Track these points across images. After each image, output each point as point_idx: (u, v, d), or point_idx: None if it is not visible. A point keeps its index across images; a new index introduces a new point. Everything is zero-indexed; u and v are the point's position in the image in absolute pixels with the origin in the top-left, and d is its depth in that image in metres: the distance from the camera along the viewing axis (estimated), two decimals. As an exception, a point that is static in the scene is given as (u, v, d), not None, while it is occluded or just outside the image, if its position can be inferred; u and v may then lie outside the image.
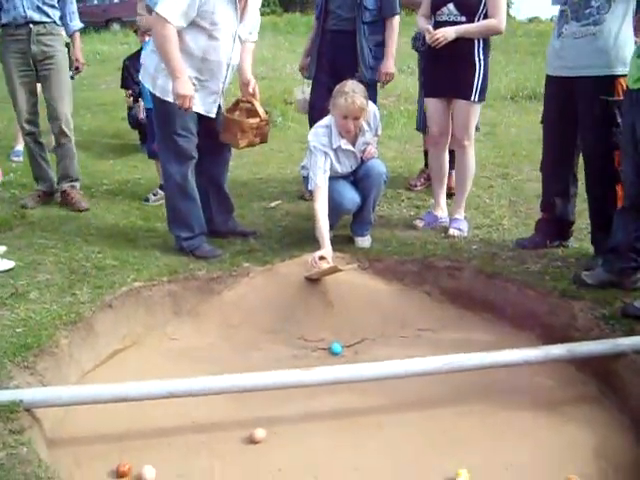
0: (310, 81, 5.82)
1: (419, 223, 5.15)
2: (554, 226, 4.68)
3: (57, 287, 3.99)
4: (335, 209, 4.63)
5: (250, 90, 4.50)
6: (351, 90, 4.38)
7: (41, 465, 2.47)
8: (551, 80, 4.44)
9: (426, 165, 6.16)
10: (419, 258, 4.56)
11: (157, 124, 4.53)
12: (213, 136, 4.55)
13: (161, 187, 5.42)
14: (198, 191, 4.58)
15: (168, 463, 2.93)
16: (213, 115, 4.49)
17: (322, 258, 4.20)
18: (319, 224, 4.35)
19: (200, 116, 4.44)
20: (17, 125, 6.95)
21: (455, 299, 4.39)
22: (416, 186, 6.02)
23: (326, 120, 4.58)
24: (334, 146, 4.55)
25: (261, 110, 4.49)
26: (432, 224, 5.13)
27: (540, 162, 4.77)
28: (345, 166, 4.66)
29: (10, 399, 2.80)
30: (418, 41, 5.71)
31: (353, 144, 4.63)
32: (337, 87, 4.50)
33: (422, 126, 6.00)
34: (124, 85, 7.47)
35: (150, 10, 4.91)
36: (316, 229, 4.39)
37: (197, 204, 4.56)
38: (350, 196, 4.60)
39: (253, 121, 4.45)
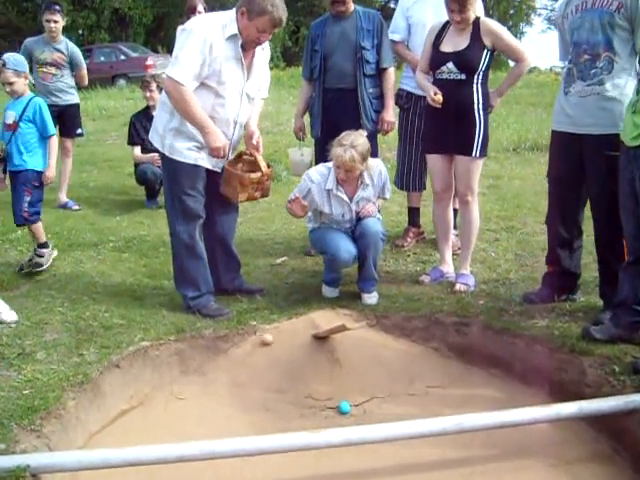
0: (302, 143, 5.95)
1: (425, 279, 5.14)
2: (561, 279, 4.67)
3: (64, 347, 3.98)
4: (332, 261, 4.67)
5: (254, 142, 4.50)
6: (349, 143, 4.45)
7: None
8: (557, 135, 4.49)
9: (409, 222, 6.19)
10: (426, 314, 4.55)
11: (165, 183, 4.58)
12: (220, 196, 4.57)
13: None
14: (205, 249, 4.60)
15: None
16: (218, 169, 4.50)
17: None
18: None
19: (208, 173, 4.47)
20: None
21: (463, 355, 4.37)
22: (403, 246, 6.00)
23: (330, 163, 4.64)
24: (327, 187, 4.62)
25: (263, 164, 4.46)
26: (438, 279, 5.13)
27: (546, 215, 4.79)
28: (337, 212, 4.70)
29: (17, 464, 2.78)
30: (401, 99, 5.80)
31: (351, 197, 4.67)
32: (342, 135, 4.55)
33: (401, 183, 6.04)
34: (131, 142, 7.56)
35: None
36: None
37: (204, 263, 4.56)
38: (345, 247, 4.61)
39: (254, 176, 4.41)
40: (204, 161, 4.40)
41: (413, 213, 6.17)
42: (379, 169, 4.74)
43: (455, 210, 5.49)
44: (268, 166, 4.56)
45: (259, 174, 4.42)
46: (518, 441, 3.52)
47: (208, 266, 4.60)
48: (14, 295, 4.86)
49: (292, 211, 4.65)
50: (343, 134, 4.55)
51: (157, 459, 2.96)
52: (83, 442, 3.46)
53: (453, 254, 5.39)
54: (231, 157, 4.57)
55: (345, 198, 4.66)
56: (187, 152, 4.35)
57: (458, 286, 4.95)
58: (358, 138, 4.52)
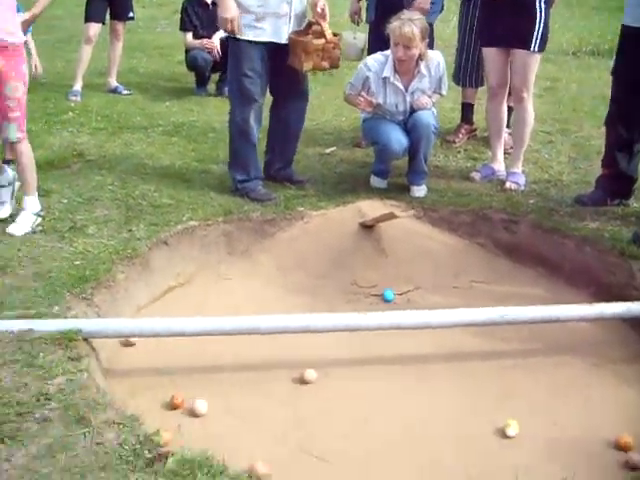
0: (357, 28, 5.77)
1: (475, 175, 5.05)
2: (615, 183, 4.56)
3: (114, 223, 4.03)
4: (382, 151, 4.62)
5: (318, 10, 4.32)
6: (407, 18, 4.34)
7: (99, 391, 2.52)
8: (628, 31, 4.29)
9: (462, 119, 6.04)
10: (474, 209, 4.49)
11: (229, 65, 4.54)
12: (288, 76, 4.47)
13: None
14: (267, 132, 4.62)
15: (219, 398, 2.97)
16: (283, 40, 4.35)
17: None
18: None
19: (275, 52, 4.36)
20: (77, 66, 7.06)
21: (510, 252, 4.33)
22: (455, 142, 5.87)
23: (388, 50, 4.53)
24: (383, 75, 4.53)
25: (328, 31, 4.29)
26: (489, 177, 5.04)
27: (605, 116, 4.63)
28: (391, 101, 4.60)
29: (69, 328, 2.85)
30: None
31: (407, 86, 4.57)
32: (399, 13, 4.45)
33: (460, 79, 5.88)
34: (183, 27, 7.41)
35: None
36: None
37: (255, 149, 4.54)
38: (397, 138, 4.53)
39: (318, 42, 4.24)
40: (265, 33, 4.29)
41: (467, 109, 6.01)
42: (437, 61, 4.59)
43: (509, 108, 5.32)
44: (334, 34, 4.38)
45: (323, 40, 4.26)
46: (561, 338, 3.53)
47: (265, 150, 4.62)
48: (65, 173, 4.89)
49: (355, 103, 4.64)
50: (400, 13, 4.44)
51: (203, 331, 3.02)
52: (131, 314, 3.53)
53: (505, 153, 5.28)
54: (298, 28, 4.41)
55: (401, 87, 4.55)
56: (247, 29, 4.26)
57: (508, 184, 4.85)
58: (416, 14, 4.45)
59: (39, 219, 3.96)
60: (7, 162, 4.21)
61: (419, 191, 4.68)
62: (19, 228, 3.83)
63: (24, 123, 3.88)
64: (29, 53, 5.60)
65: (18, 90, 3.75)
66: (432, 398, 3.07)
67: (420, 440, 2.79)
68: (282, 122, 4.71)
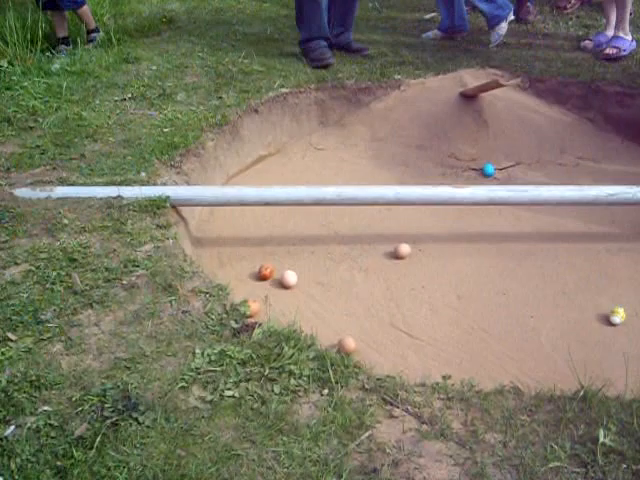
0: None
1: (588, 44, 4.64)
2: None
3: (204, 90, 3.91)
4: None
5: None
6: None
7: (186, 259, 2.46)
8: None
9: None
10: (586, 81, 4.14)
11: None
12: None
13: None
14: None
15: (310, 270, 2.89)
16: None
17: None
18: None
19: None
20: None
21: (622, 129, 4.02)
22: (566, 8, 5.38)
23: None
24: None
25: None
26: (602, 46, 4.61)
27: None
28: None
29: (157, 194, 2.78)
30: None
31: None
32: None
33: None
34: None
35: None
36: None
37: (320, 8, 4.27)
38: None
39: None
40: None
41: None
42: None
43: None
44: None
45: None
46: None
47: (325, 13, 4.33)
48: (155, 41, 4.78)
49: None
50: None
51: (295, 200, 2.89)
52: (221, 183, 3.46)
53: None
54: None
55: None
56: None
57: (608, 50, 4.42)
58: None
59: None
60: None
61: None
62: None
63: None
64: None
65: None
66: (530, 279, 2.89)
67: (515, 322, 2.64)
68: None
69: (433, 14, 5.27)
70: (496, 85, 3.71)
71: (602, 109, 4.08)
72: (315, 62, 4.22)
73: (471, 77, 4.08)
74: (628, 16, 4.55)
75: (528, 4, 5.27)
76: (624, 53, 4.41)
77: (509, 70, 4.23)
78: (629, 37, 4.50)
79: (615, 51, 4.41)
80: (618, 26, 4.53)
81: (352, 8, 4.54)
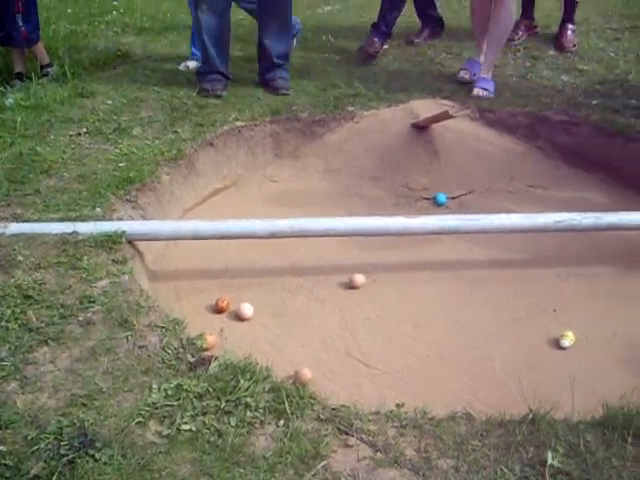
0: None
1: (464, 74, 4.66)
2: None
3: (159, 124, 3.93)
4: None
5: None
6: None
7: (142, 294, 2.47)
8: None
9: (522, 15, 5.65)
10: (533, 111, 4.26)
11: None
12: None
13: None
14: None
15: (266, 302, 2.92)
16: None
17: None
18: None
19: None
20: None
21: (569, 156, 4.13)
22: (513, 39, 5.52)
23: None
24: None
25: None
26: (478, 73, 4.64)
27: None
28: None
29: (113, 230, 2.80)
30: None
31: None
32: None
33: None
34: None
35: None
36: None
37: (218, 41, 4.39)
38: None
39: None
40: None
41: (526, 4, 5.67)
42: None
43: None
44: None
45: None
46: (620, 247, 3.36)
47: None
48: (110, 75, 4.80)
49: None
50: None
51: (249, 233, 2.93)
52: (177, 216, 3.48)
53: (567, 51, 5.00)
54: None
55: None
56: None
57: (476, 90, 4.47)
58: None
59: None
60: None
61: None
62: None
63: None
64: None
65: None
66: (483, 306, 2.96)
67: (469, 348, 2.70)
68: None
69: (385, 47, 5.37)
70: (446, 116, 3.80)
71: (550, 138, 4.20)
72: (203, 92, 4.31)
73: (422, 108, 4.17)
74: (495, 59, 4.67)
75: None
76: (491, 95, 4.48)
77: (459, 101, 4.33)
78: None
79: (485, 93, 4.46)
80: (486, 67, 4.60)
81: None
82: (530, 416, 1.96)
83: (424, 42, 5.51)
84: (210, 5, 4.23)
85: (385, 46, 5.23)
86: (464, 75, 4.67)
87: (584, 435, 1.89)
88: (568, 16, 5.39)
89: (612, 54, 5.31)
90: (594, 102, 4.35)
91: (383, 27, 5.11)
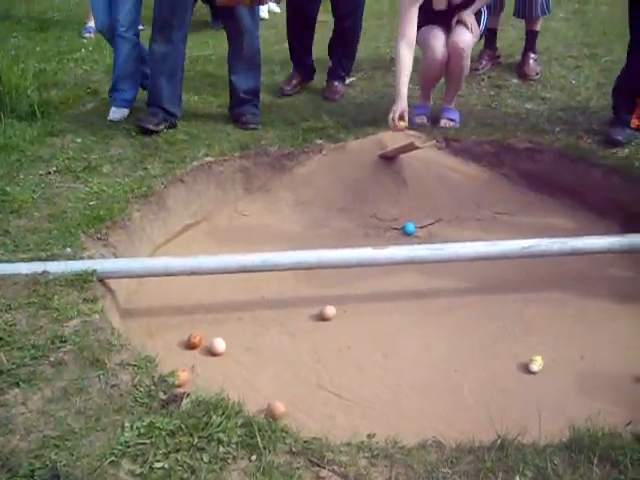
0: None
1: (422, 120, 4.63)
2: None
3: (129, 161, 3.96)
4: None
5: None
6: None
7: (114, 332, 2.48)
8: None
9: (485, 45, 5.77)
10: (498, 139, 4.35)
11: None
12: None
13: None
14: None
15: (238, 337, 2.94)
16: None
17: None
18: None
19: None
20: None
21: (534, 183, 4.20)
22: (477, 69, 5.64)
23: None
24: None
25: None
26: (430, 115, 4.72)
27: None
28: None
29: (84, 269, 2.81)
30: None
31: None
32: None
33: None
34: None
35: None
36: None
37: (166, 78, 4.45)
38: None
39: None
40: None
41: (489, 35, 5.78)
42: None
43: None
44: None
45: None
46: (586, 271, 3.43)
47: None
48: (80, 112, 4.82)
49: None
50: None
51: (219, 269, 2.97)
52: (148, 253, 3.50)
53: (530, 79, 5.13)
54: None
55: None
56: None
57: (443, 122, 4.56)
58: None
59: None
60: None
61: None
62: None
63: None
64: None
65: None
66: (452, 333, 3.01)
67: (440, 376, 2.74)
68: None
69: (352, 79, 5.45)
70: (412, 147, 3.87)
71: (515, 165, 4.28)
72: (139, 122, 4.35)
73: (390, 139, 4.23)
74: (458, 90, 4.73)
75: None
76: (457, 125, 4.56)
77: (425, 131, 4.42)
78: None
79: (452, 124, 4.55)
80: (449, 99, 4.67)
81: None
82: (499, 441, 2.00)
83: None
84: (163, 35, 4.35)
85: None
86: (422, 121, 4.62)
87: (551, 458, 1.93)
88: (530, 45, 5.50)
89: (574, 81, 5.42)
90: (557, 129, 4.44)
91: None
